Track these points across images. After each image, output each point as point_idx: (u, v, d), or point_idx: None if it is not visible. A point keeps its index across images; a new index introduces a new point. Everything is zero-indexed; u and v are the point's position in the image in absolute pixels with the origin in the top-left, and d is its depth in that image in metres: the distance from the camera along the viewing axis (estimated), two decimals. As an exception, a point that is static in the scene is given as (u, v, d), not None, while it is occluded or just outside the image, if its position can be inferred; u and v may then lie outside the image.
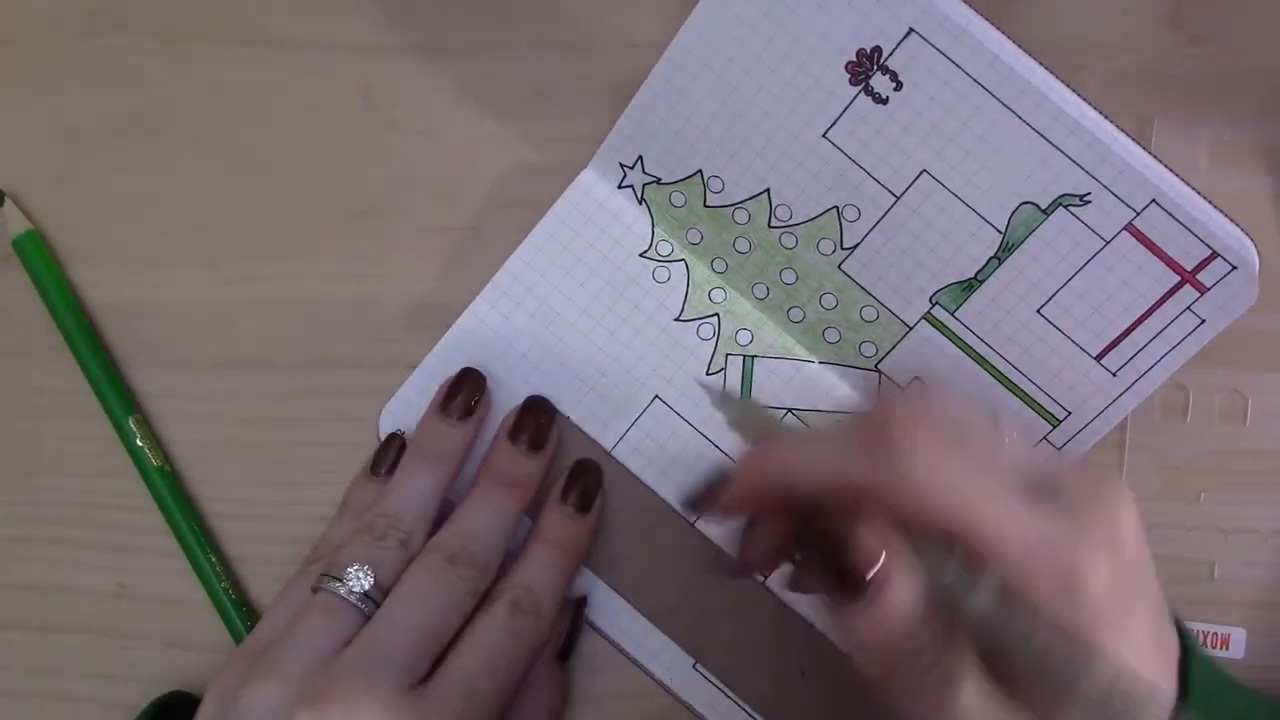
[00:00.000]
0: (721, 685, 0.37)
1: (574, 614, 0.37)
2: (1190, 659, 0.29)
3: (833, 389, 0.37)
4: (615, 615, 0.38)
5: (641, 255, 0.37)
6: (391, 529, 0.34)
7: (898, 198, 0.36)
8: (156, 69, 0.39)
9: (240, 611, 0.38)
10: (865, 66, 0.34)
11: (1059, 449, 0.36)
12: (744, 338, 0.38)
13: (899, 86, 0.34)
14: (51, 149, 0.39)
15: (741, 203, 0.37)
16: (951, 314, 0.36)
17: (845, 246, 0.37)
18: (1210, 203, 0.34)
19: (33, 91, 0.39)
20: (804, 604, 0.37)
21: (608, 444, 0.38)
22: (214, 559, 0.38)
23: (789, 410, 0.37)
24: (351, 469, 0.38)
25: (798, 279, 0.37)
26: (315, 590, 0.33)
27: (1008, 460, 0.28)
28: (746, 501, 0.31)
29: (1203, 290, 0.35)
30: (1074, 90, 0.34)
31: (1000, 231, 0.35)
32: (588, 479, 0.37)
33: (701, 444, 0.37)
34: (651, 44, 0.38)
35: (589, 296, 0.38)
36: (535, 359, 0.38)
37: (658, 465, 0.38)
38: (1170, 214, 0.34)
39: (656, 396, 0.38)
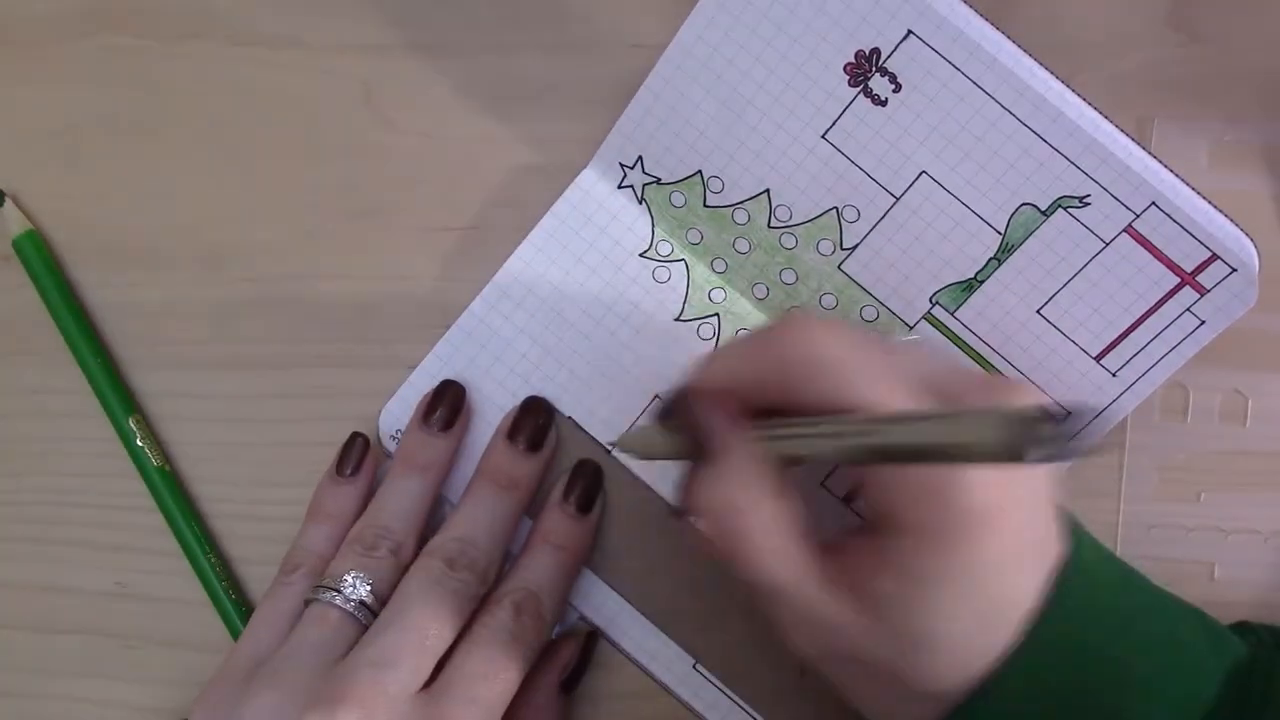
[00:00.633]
0: (722, 685, 0.37)
1: (583, 648, 0.37)
2: (1074, 552, 0.30)
3: None
4: (615, 615, 0.38)
5: (641, 255, 0.38)
6: (382, 539, 0.34)
7: (897, 199, 0.36)
8: (156, 69, 0.39)
9: (240, 611, 0.38)
10: (864, 68, 0.34)
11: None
12: None
13: (898, 88, 0.34)
14: (51, 149, 0.39)
15: (741, 203, 0.37)
16: (951, 314, 0.36)
17: (845, 247, 0.37)
18: (1211, 203, 0.34)
19: (33, 91, 0.39)
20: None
21: (608, 444, 0.38)
22: (214, 559, 0.38)
23: None
24: (351, 469, 0.38)
25: (798, 279, 0.37)
26: (309, 602, 0.33)
27: (904, 363, 0.30)
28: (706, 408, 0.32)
29: (1202, 292, 0.35)
30: (1074, 91, 0.34)
31: (1000, 233, 0.35)
32: (589, 479, 0.37)
33: None
34: (651, 44, 0.38)
35: (589, 296, 0.38)
36: (535, 359, 0.38)
37: (657, 465, 0.38)
38: (1170, 216, 0.34)
39: (657, 396, 0.38)
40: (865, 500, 0.30)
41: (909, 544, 0.29)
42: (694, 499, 0.31)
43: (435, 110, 0.38)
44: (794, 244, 0.37)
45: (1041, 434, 0.23)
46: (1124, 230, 0.34)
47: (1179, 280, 0.35)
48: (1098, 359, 0.36)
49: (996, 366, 0.36)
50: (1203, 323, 0.35)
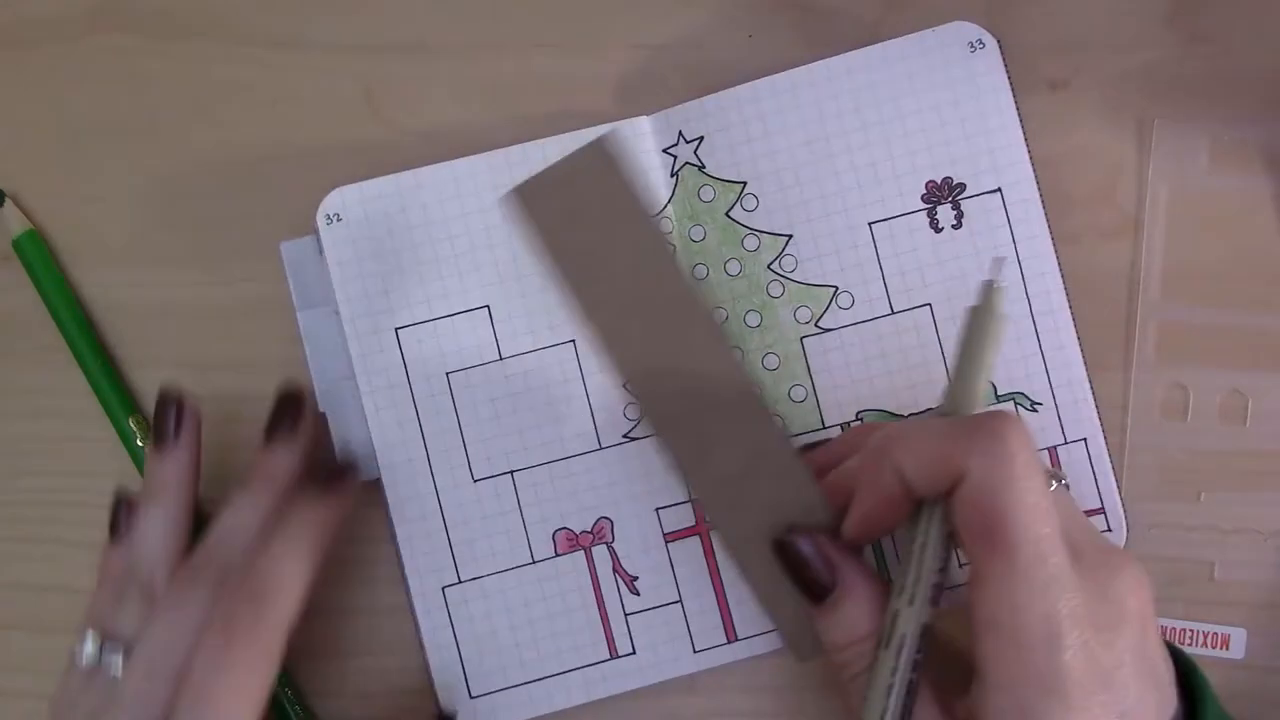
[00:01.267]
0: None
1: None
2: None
3: None
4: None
5: None
6: (126, 582, 0.34)
7: (893, 312, 0.36)
8: (156, 69, 0.39)
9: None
10: (941, 194, 0.36)
11: None
12: None
13: (958, 225, 0.36)
14: (51, 149, 0.39)
15: (760, 232, 0.37)
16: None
17: (820, 325, 0.37)
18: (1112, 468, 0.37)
19: (32, 91, 0.39)
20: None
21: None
22: None
23: None
24: (351, 469, 0.38)
25: (760, 325, 0.37)
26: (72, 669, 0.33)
27: (1059, 508, 0.29)
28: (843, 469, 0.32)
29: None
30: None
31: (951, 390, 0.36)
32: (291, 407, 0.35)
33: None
34: (651, 44, 0.38)
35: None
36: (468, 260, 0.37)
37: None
38: (1090, 458, 0.36)
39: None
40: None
41: (1002, 695, 0.28)
42: (821, 633, 0.31)
43: (435, 110, 0.38)
44: (780, 294, 0.37)
45: None
46: (1047, 448, 0.37)
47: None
48: None
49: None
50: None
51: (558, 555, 0.37)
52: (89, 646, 0.33)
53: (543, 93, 0.38)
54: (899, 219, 0.36)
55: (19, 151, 0.39)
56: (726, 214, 0.37)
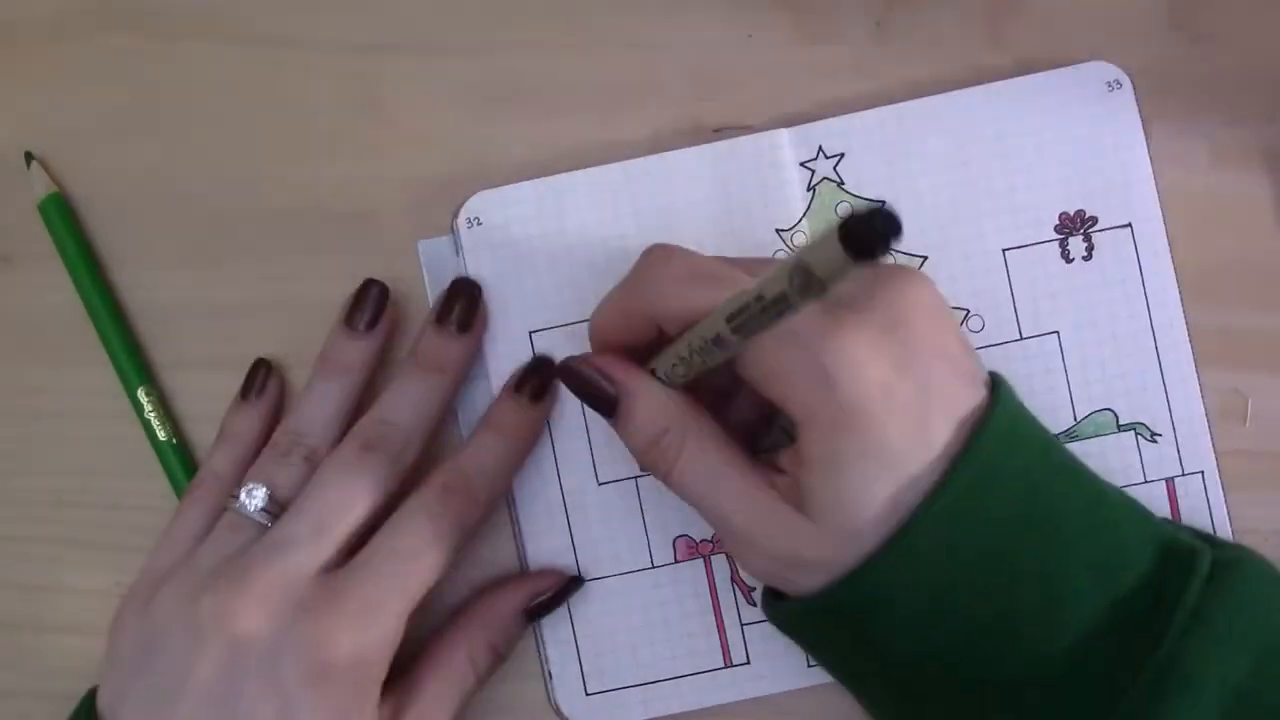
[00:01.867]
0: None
1: (563, 583, 0.36)
2: (992, 414, 0.30)
3: None
4: None
5: (778, 231, 0.37)
6: (294, 443, 0.35)
7: (1021, 338, 0.37)
8: (156, 69, 0.39)
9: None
10: (1074, 225, 0.37)
11: None
12: None
13: (1088, 256, 0.37)
14: (51, 149, 0.39)
15: (896, 252, 0.37)
16: None
17: None
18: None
19: (32, 91, 0.39)
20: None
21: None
22: None
23: None
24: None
25: None
26: (222, 511, 0.35)
27: (754, 267, 0.32)
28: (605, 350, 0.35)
29: None
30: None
31: (1074, 419, 0.37)
32: (543, 372, 0.37)
33: None
34: (651, 44, 0.38)
35: (712, 230, 0.37)
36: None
37: None
38: (1206, 490, 0.37)
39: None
40: (772, 400, 0.31)
41: (808, 434, 0.30)
42: (627, 444, 0.33)
43: (435, 110, 0.38)
44: None
45: (875, 228, 0.22)
46: (1165, 479, 0.37)
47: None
48: None
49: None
50: None
51: (677, 562, 0.37)
52: (260, 496, 0.34)
53: (543, 93, 0.38)
54: (1031, 247, 0.37)
55: (18, 152, 0.39)
56: None
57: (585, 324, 0.37)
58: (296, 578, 0.32)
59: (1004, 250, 0.37)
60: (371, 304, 0.36)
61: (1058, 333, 0.37)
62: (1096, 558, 0.30)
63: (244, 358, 0.38)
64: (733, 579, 0.37)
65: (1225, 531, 0.37)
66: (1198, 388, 0.37)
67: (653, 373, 0.33)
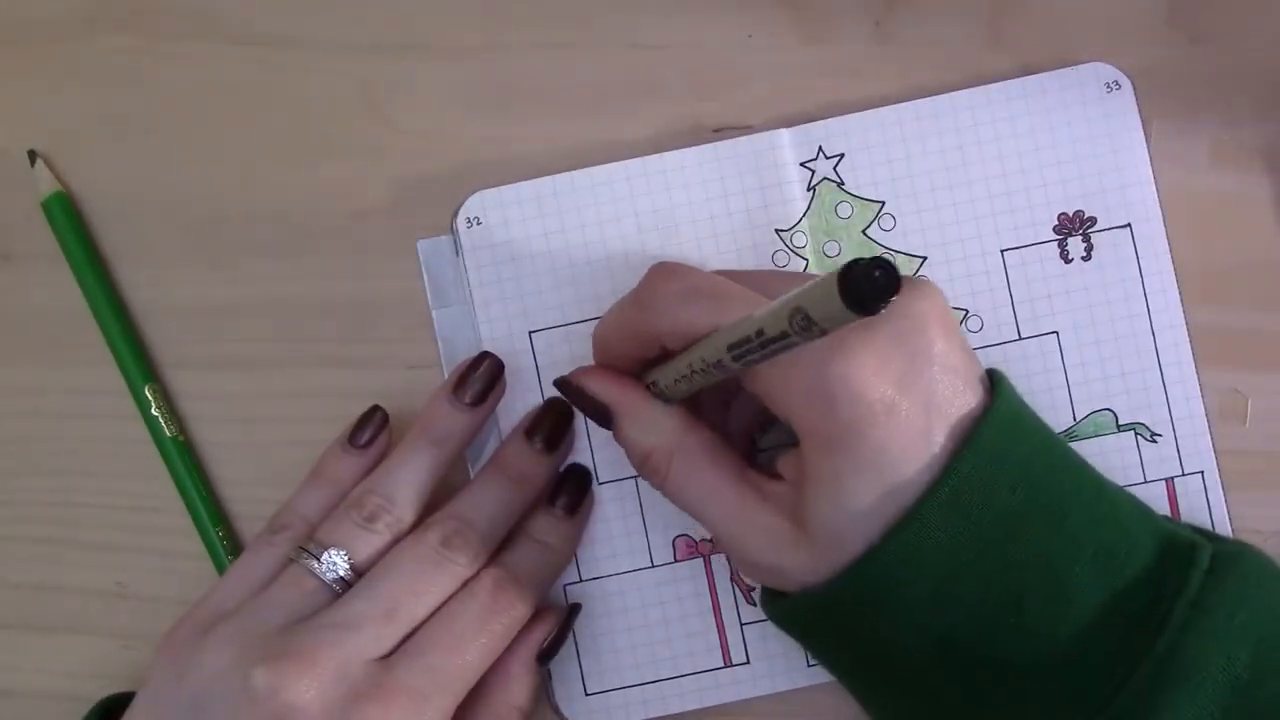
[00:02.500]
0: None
1: (563, 619, 0.36)
2: (992, 411, 0.30)
3: None
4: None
5: (777, 231, 0.37)
6: (383, 510, 0.34)
7: (1020, 338, 0.37)
8: (156, 69, 0.39)
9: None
10: (1073, 225, 0.37)
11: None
12: None
13: (1087, 257, 0.37)
14: (51, 150, 0.39)
15: (895, 252, 0.37)
16: None
17: None
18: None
19: (33, 91, 0.39)
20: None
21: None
22: (222, 533, 0.38)
23: None
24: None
25: None
26: (291, 561, 0.34)
27: (754, 283, 0.32)
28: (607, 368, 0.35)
29: None
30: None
31: (1073, 419, 0.37)
32: (578, 483, 0.37)
33: None
34: (651, 44, 0.38)
35: (712, 230, 0.37)
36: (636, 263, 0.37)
37: None
38: (1206, 490, 0.37)
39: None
40: (775, 414, 0.31)
41: (810, 448, 0.30)
42: (629, 456, 0.34)
43: (435, 110, 0.38)
44: None
45: (876, 283, 0.23)
46: (1165, 479, 0.37)
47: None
48: None
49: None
50: None
51: (677, 561, 0.37)
52: (341, 565, 0.33)
53: (543, 93, 0.38)
54: (1030, 248, 0.37)
55: (18, 152, 0.39)
56: (863, 232, 0.37)
57: (585, 324, 0.37)
58: (356, 663, 0.31)
59: (1003, 250, 0.37)
60: (483, 377, 0.36)
61: (1057, 333, 0.37)
62: (1098, 549, 0.30)
63: (243, 357, 0.38)
64: (733, 579, 0.37)
65: (1225, 531, 0.37)
66: (1198, 388, 0.37)
67: (653, 385, 0.34)
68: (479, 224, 0.37)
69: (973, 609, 0.30)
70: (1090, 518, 0.30)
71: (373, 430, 0.36)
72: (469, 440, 0.36)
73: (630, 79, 0.38)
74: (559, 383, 0.35)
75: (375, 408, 0.37)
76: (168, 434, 0.38)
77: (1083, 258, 0.37)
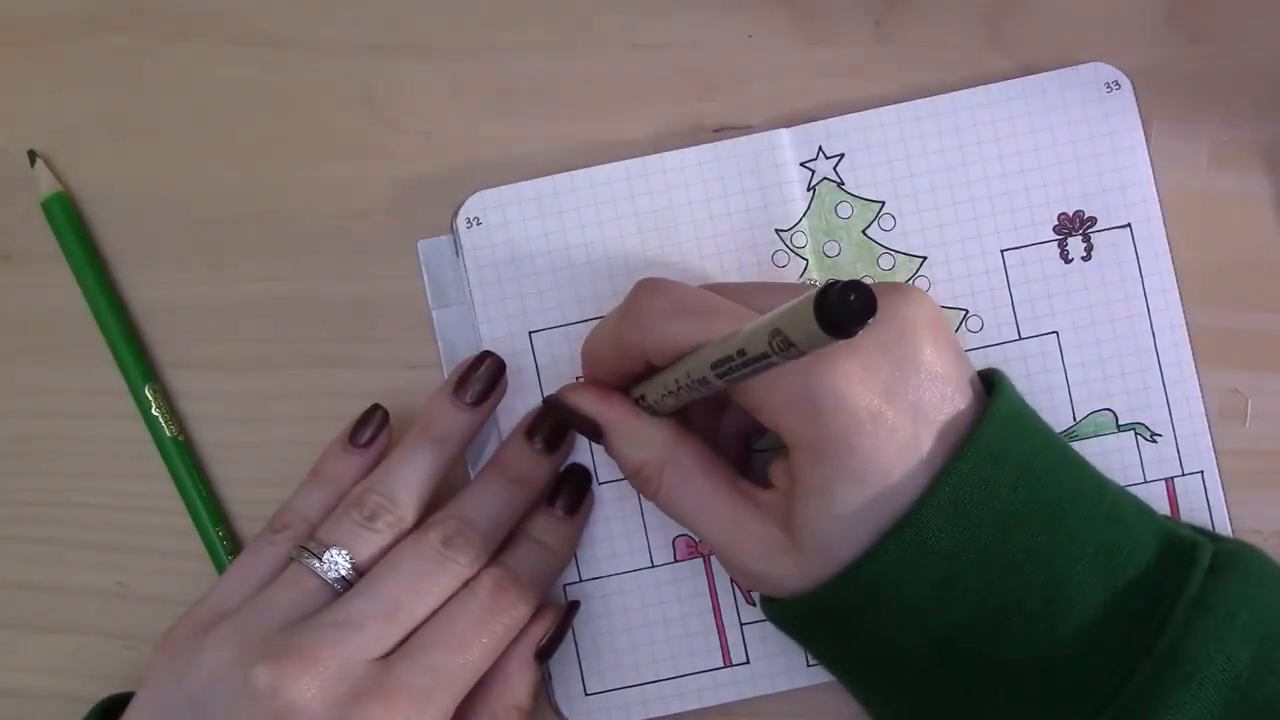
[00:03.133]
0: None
1: (562, 616, 0.36)
2: (991, 409, 0.31)
3: None
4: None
5: (777, 231, 0.37)
6: (384, 509, 0.34)
7: (1020, 339, 0.37)
8: (156, 69, 0.39)
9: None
10: (1073, 226, 0.37)
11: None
12: None
13: (1087, 257, 0.37)
14: (51, 149, 0.39)
15: (896, 252, 0.37)
16: None
17: None
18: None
19: (33, 91, 0.39)
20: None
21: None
22: (222, 533, 0.38)
23: None
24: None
25: None
26: (292, 560, 0.34)
27: (741, 296, 0.32)
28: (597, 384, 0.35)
29: None
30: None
31: (1074, 419, 0.37)
32: (578, 483, 0.37)
33: None
34: (651, 44, 0.38)
35: (712, 230, 0.37)
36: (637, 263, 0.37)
37: None
38: (1206, 490, 0.37)
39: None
40: (764, 425, 0.32)
41: (799, 458, 0.30)
42: (621, 469, 0.34)
43: (435, 110, 0.38)
44: None
45: (850, 307, 0.23)
46: (1165, 479, 0.37)
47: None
48: None
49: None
50: None
51: (677, 561, 0.38)
52: (343, 565, 0.33)
53: (543, 93, 0.38)
54: (1030, 248, 0.37)
55: (19, 152, 0.39)
56: (863, 231, 0.37)
57: (585, 324, 0.37)
58: (358, 661, 0.31)
59: (1003, 250, 0.37)
60: (483, 377, 0.36)
61: (1057, 333, 0.37)
62: (1099, 548, 0.30)
63: (243, 357, 0.38)
64: (732, 579, 0.37)
65: (1225, 531, 0.37)
66: (1198, 388, 0.37)
67: (641, 399, 0.34)
68: (479, 224, 0.37)
69: (973, 608, 0.30)
70: (1091, 516, 0.30)
71: (373, 430, 0.36)
72: (470, 440, 0.36)
73: (630, 79, 0.38)
74: (548, 402, 0.36)
75: (375, 407, 0.37)
76: (168, 434, 0.38)
77: (1083, 258, 0.37)
